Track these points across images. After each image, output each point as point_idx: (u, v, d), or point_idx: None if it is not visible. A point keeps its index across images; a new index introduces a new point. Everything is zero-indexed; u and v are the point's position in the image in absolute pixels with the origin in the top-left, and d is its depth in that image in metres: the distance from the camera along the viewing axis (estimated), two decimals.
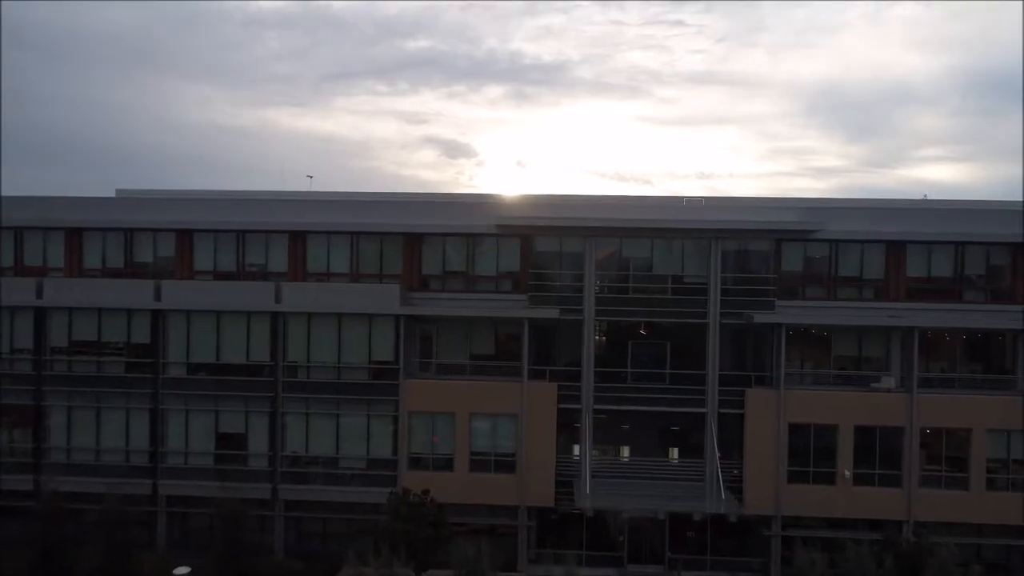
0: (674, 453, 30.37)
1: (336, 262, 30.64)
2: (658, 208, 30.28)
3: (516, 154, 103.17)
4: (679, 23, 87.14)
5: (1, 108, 79.26)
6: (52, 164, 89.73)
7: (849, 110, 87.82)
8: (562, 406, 29.09)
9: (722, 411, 28.88)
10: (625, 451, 30.72)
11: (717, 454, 28.28)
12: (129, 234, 31.18)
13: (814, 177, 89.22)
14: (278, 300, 28.91)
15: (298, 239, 30.58)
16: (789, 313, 28.71)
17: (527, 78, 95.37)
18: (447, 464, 28.94)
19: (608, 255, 29.84)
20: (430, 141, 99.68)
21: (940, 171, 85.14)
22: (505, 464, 28.81)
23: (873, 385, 28.87)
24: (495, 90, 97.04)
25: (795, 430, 28.19)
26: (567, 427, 29.34)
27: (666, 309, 29.15)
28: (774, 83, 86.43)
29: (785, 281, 29.31)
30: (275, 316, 29.02)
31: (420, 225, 29.96)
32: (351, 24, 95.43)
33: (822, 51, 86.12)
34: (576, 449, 29.95)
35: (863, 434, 27.97)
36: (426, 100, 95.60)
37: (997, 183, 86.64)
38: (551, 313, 28.57)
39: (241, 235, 30.86)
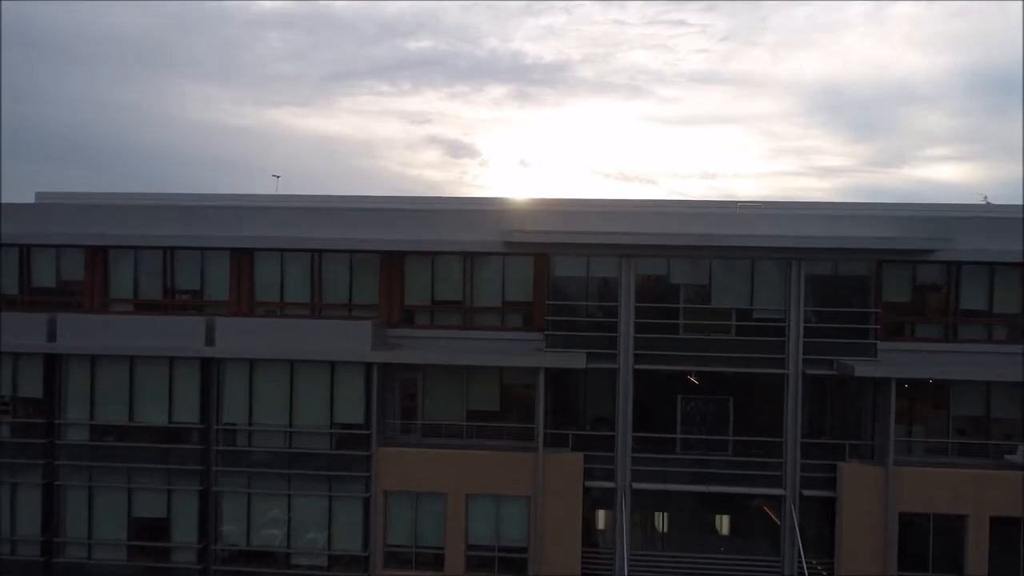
0: (727, 533, 23.13)
1: (292, 289, 23.40)
2: (717, 218, 22.81)
3: (519, 154, 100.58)
4: (681, 23, 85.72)
5: (1, 106, 75.55)
6: (53, 163, 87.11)
7: (852, 109, 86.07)
8: (589, 483, 21.81)
9: (805, 492, 21.49)
10: (663, 521, 23.49)
11: (802, 551, 20.95)
12: (25, 251, 24.03)
13: (819, 176, 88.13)
14: (210, 341, 21.67)
15: (243, 258, 23.34)
16: (898, 362, 21.31)
17: (529, 78, 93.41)
18: (436, 561, 21.66)
19: (650, 281, 22.51)
20: (434, 141, 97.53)
21: (946, 171, 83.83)
22: (513, 561, 21.54)
23: (1007, 457, 21.50)
24: (497, 90, 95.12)
25: (907, 521, 20.81)
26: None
27: (729, 355, 21.76)
28: (777, 82, 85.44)
29: (887, 316, 21.93)
30: (207, 363, 21.79)
31: (402, 240, 22.68)
32: (352, 24, 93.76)
33: (824, 50, 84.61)
34: (600, 517, 22.87)
35: (1002, 528, 20.55)
36: (428, 100, 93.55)
37: (1003, 183, 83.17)
38: (576, 361, 21.24)
39: (169, 252, 23.67)
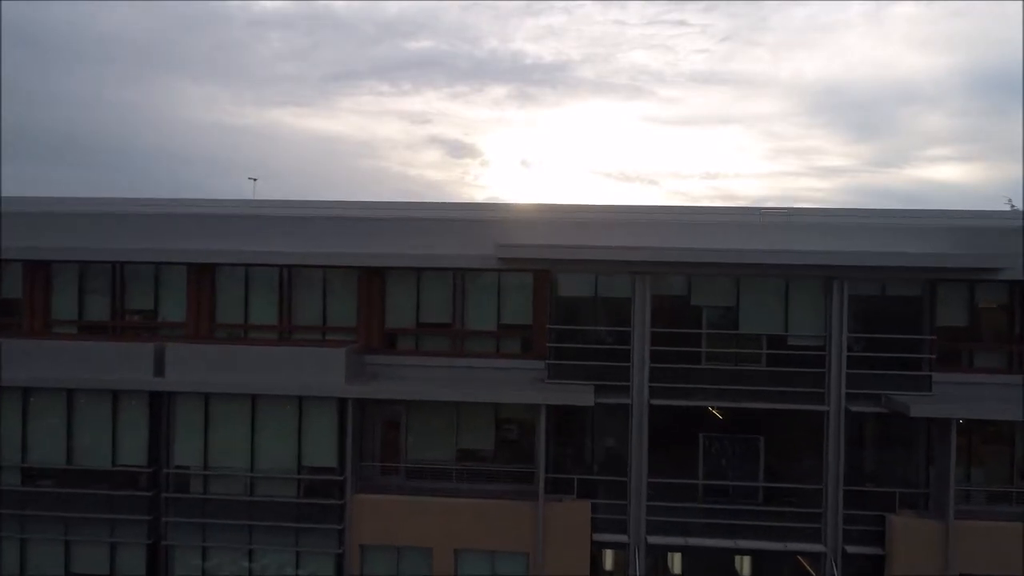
0: None
1: (258, 309, 20.57)
2: (742, 229, 19.87)
3: (520, 154, 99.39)
4: (681, 23, 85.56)
5: (1, 106, 74.13)
6: (57, 164, 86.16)
7: (853, 109, 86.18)
8: (597, 536, 18.89)
9: (849, 549, 18.53)
10: (678, 564, 20.66)
11: None
12: None
13: (820, 177, 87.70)
14: (159, 372, 18.78)
15: (203, 275, 20.48)
16: (956, 397, 18.37)
17: (529, 78, 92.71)
18: None
19: (668, 303, 19.58)
20: (435, 141, 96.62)
21: (948, 171, 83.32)
22: None
23: None
24: (498, 90, 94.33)
25: None
26: None
27: (759, 388, 18.82)
28: (778, 82, 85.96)
29: (941, 343, 18.99)
30: (156, 397, 18.91)
31: (383, 255, 19.79)
32: (352, 25, 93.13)
33: (824, 50, 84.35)
34: (607, 557, 20.26)
35: None
36: (429, 100, 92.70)
37: (1004, 183, 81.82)
38: (582, 398, 18.29)
39: (119, 268, 20.83)
